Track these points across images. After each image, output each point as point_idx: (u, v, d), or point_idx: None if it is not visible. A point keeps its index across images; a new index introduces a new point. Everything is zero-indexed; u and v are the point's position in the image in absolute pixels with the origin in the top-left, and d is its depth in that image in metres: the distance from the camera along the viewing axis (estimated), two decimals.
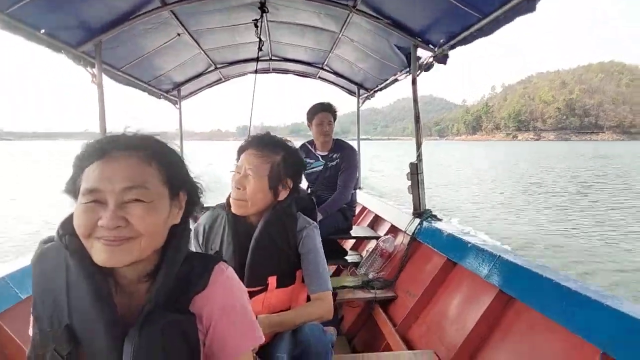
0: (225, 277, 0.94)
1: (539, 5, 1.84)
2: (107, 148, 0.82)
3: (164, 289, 0.84)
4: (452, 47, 2.76)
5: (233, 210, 1.56)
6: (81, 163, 0.83)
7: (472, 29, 2.45)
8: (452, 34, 2.70)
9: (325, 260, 1.65)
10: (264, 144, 1.57)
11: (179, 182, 0.89)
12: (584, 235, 9.44)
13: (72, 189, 0.84)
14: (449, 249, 2.43)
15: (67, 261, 0.83)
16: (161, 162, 0.86)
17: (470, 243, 2.22)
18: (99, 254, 0.78)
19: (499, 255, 1.94)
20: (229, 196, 1.59)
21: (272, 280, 1.54)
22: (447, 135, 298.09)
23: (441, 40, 2.85)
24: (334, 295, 1.68)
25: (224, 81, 5.37)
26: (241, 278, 1.51)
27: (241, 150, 1.60)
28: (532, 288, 1.68)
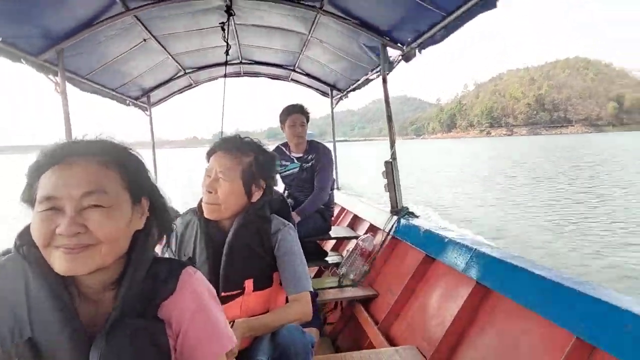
0: (194, 281, 0.91)
1: (499, 3, 1.87)
2: (63, 153, 0.80)
3: (130, 295, 0.82)
4: (420, 45, 2.79)
5: (205, 214, 1.53)
6: (37, 170, 0.80)
7: (438, 27, 2.49)
8: (419, 32, 2.72)
9: (304, 261, 1.63)
10: (233, 145, 1.55)
11: (141, 187, 0.87)
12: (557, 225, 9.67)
13: (29, 198, 0.81)
14: (427, 245, 2.46)
15: (26, 273, 0.80)
16: (121, 166, 0.83)
17: (447, 238, 2.25)
18: (59, 262, 0.75)
19: (475, 249, 1.97)
20: (201, 201, 1.56)
21: (248, 284, 1.52)
22: (424, 134, 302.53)
23: (409, 39, 2.87)
24: (315, 296, 1.66)
25: (194, 86, 5.31)
26: (216, 283, 1.51)
27: (211, 153, 1.57)
28: (507, 279, 1.71)
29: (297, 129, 3.26)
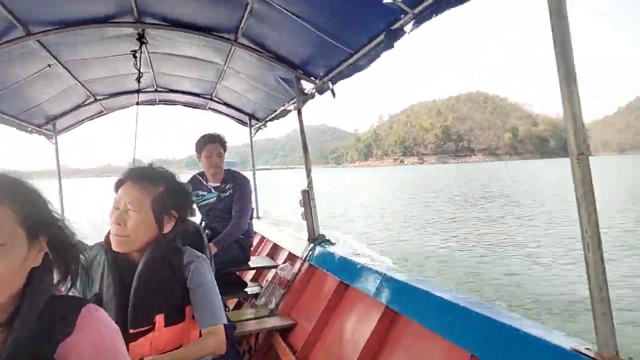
0: (95, 319, 0.86)
1: (397, 44, 2.08)
2: None
3: (22, 338, 0.75)
4: (332, 79, 2.94)
5: (114, 247, 1.46)
6: None
7: (347, 64, 2.65)
8: (330, 67, 2.87)
9: (218, 293, 1.59)
10: (143, 176, 1.51)
11: (38, 222, 0.81)
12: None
13: None
14: (342, 272, 2.53)
15: None
16: (15, 200, 0.78)
17: (359, 264, 2.34)
18: None
19: (384, 274, 2.07)
20: (108, 233, 1.49)
21: (159, 319, 1.45)
22: (343, 163, 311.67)
23: (321, 73, 3.02)
24: (232, 328, 1.63)
25: (105, 113, 5.05)
26: (124, 319, 1.43)
27: (119, 184, 1.51)
28: (412, 302, 1.82)
29: (213, 159, 3.21)
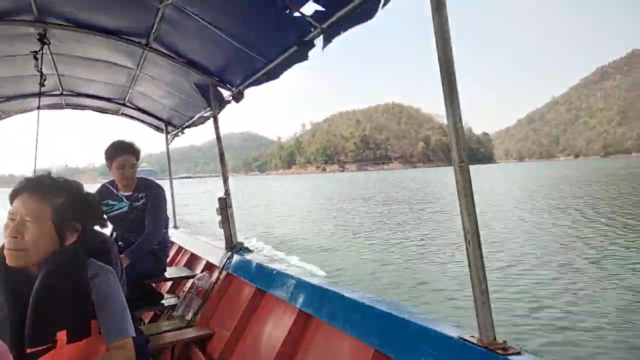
0: None
1: (311, 54, 2.18)
2: None
3: None
4: (248, 86, 2.98)
5: (9, 262, 1.36)
6: None
7: (261, 72, 2.70)
8: (246, 75, 2.91)
9: (126, 306, 1.54)
10: (42, 185, 1.42)
11: None
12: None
13: None
14: (258, 279, 2.57)
15: None
16: None
17: (275, 270, 2.40)
18: None
19: (299, 278, 2.15)
20: (2, 247, 1.38)
21: (61, 336, 1.37)
22: (267, 170, 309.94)
23: (237, 81, 3.04)
24: (145, 342, 1.58)
25: (3, 117, 4.61)
26: (21, 338, 1.33)
27: (14, 195, 1.41)
28: (323, 304, 1.91)
29: (125, 171, 3.01)
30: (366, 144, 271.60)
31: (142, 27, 2.75)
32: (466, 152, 1.24)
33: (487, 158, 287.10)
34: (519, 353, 1.15)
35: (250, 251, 3.12)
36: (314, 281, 2.06)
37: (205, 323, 2.86)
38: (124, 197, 3.14)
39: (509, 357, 1.13)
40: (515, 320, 5.36)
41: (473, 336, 1.25)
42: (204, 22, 2.35)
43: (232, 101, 3.18)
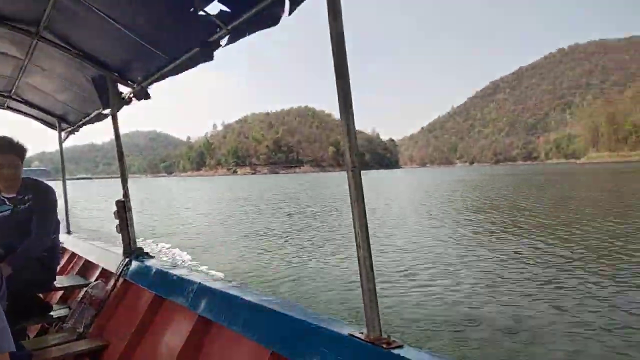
0: None
1: (216, 54, 2.16)
2: None
3: None
4: (151, 83, 2.86)
5: None
6: None
7: (165, 70, 2.61)
8: (148, 72, 2.79)
9: (4, 318, 1.42)
10: None
11: None
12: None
13: None
14: (158, 286, 2.49)
15: None
16: None
17: (176, 276, 2.34)
18: None
19: (199, 283, 2.12)
20: None
21: None
22: (175, 172, 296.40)
23: (139, 78, 2.90)
24: (29, 357, 1.44)
25: None
26: None
27: None
28: (223, 308, 1.90)
29: (4, 171, 2.71)
30: (278, 147, 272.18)
31: (32, 14, 2.51)
32: (359, 157, 1.34)
33: (392, 163, 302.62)
34: (401, 346, 1.26)
35: (151, 257, 3.00)
36: (216, 286, 2.04)
37: (99, 334, 2.69)
38: (5, 200, 2.83)
39: (391, 350, 1.23)
40: (409, 316, 5.71)
41: (362, 332, 1.34)
42: (102, 14, 2.22)
43: (134, 99, 3.03)
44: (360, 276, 1.32)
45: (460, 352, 4.66)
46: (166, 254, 10.68)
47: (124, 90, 3.08)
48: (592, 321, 5.38)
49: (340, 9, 1.34)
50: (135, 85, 2.98)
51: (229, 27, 1.94)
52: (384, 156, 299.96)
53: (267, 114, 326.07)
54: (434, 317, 5.67)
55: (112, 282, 2.97)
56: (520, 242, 10.98)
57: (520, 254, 9.66)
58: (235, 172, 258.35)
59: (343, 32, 1.34)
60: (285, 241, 12.78)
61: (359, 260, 1.32)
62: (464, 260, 9.24)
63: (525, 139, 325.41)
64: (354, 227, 1.31)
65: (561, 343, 4.81)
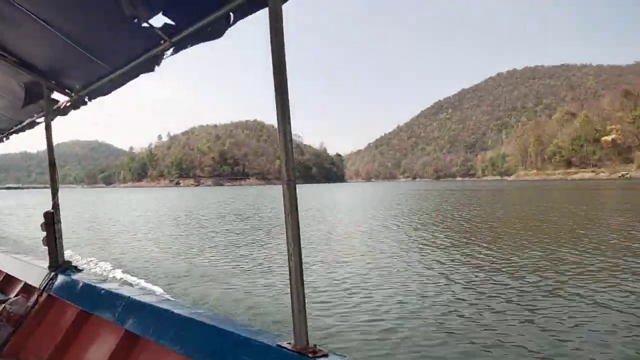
0: None
1: (157, 68, 2.16)
2: None
3: None
4: (89, 94, 2.78)
5: None
6: None
7: (106, 79, 2.56)
8: (88, 81, 2.72)
9: None
10: None
11: None
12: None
13: None
14: (84, 300, 2.40)
15: None
16: None
17: (104, 290, 2.27)
18: None
19: (128, 297, 2.07)
20: None
21: None
22: (114, 183, 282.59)
23: (77, 87, 2.82)
24: None
25: None
26: None
27: None
28: (151, 323, 1.88)
29: None
30: (224, 160, 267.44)
31: None
32: (294, 171, 1.39)
33: (339, 177, 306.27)
34: (326, 355, 1.31)
35: (79, 270, 2.87)
36: (145, 300, 2.00)
37: (15, 353, 2.53)
38: None
39: (317, 359, 1.28)
40: (339, 326, 5.82)
41: (290, 343, 1.38)
42: (39, 20, 2.15)
43: (71, 109, 2.92)
44: (290, 287, 1.35)
45: None
46: (97, 267, 10.18)
47: (62, 98, 2.96)
48: (523, 327, 5.71)
49: (281, 26, 1.39)
50: (73, 94, 2.88)
51: (173, 40, 1.95)
52: (330, 170, 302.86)
53: (215, 126, 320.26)
54: (362, 327, 5.80)
55: (34, 297, 2.81)
56: (448, 252, 11.47)
57: (445, 262, 10.12)
58: (178, 183, 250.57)
59: (284, 48, 1.39)
60: (219, 252, 12.61)
61: (289, 271, 1.36)
62: (395, 270, 9.50)
63: (465, 156, 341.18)
64: (287, 238, 1.36)
65: (485, 351, 5.07)
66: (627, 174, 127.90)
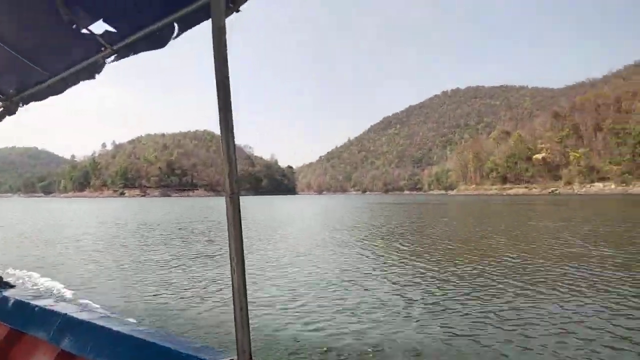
0: None
1: (98, 76, 2.10)
2: None
3: None
4: (24, 99, 2.66)
5: None
6: None
7: (44, 85, 2.46)
8: (23, 87, 2.60)
9: None
10: None
11: None
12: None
13: None
14: (15, 318, 2.25)
15: None
16: None
17: (37, 307, 2.15)
18: None
19: (64, 314, 1.98)
20: None
21: None
22: (54, 192, 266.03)
23: (11, 91, 2.69)
24: None
25: None
26: None
27: None
28: (89, 340, 1.80)
29: None
30: (172, 170, 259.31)
31: None
32: (238, 184, 1.38)
33: (290, 189, 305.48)
34: None
35: (11, 286, 2.69)
36: (82, 317, 1.91)
37: None
38: None
39: None
40: (284, 340, 5.79)
41: (233, 359, 1.36)
42: None
43: (6, 115, 2.75)
44: (233, 301, 1.34)
45: None
46: (31, 283, 9.54)
47: None
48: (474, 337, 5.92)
49: (224, 39, 1.39)
50: (6, 101, 2.74)
51: (115, 47, 1.90)
52: (281, 182, 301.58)
53: (163, 135, 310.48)
54: (306, 340, 5.83)
55: None
56: (394, 264, 11.79)
57: (391, 273, 10.42)
58: (122, 193, 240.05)
59: (227, 63, 1.37)
60: (162, 266, 12.28)
61: (232, 285, 1.34)
62: (343, 283, 9.64)
63: (412, 171, 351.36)
64: (230, 252, 1.34)
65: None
66: (556, 190, 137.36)
